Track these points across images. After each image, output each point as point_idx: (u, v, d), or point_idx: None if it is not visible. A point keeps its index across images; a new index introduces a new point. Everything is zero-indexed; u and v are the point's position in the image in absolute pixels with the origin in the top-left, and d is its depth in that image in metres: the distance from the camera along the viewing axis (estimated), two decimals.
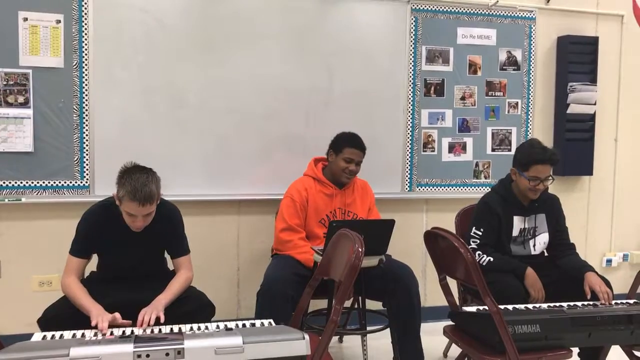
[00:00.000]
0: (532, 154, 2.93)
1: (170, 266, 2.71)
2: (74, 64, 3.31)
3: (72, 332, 2.10)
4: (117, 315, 2.22)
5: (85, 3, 3.30)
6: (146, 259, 2.60)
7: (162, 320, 2.25)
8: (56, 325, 2.19)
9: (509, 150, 4.02)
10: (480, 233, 2.99)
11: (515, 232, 3.02)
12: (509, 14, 4.04)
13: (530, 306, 2.55)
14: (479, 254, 2.90)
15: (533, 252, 3.03)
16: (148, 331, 2.15)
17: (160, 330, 2.15)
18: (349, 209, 3.24)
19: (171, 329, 2.17)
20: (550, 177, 2.94)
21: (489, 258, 2.89)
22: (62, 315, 2.32)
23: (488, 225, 2.99)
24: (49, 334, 2.06)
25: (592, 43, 4.17)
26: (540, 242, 3.04)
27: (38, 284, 3.38)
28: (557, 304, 2.56)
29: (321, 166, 3.32)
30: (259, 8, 3.57)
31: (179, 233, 2.65)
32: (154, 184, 2.40)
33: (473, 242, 2.98)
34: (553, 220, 3.07)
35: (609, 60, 4.28)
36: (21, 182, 3.27)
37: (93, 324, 2.18)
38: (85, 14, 3.30)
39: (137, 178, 2.37)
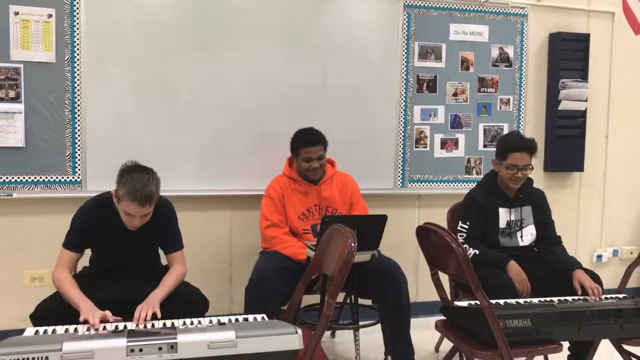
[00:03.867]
0: (508, 142, 3.06)
1: (163, 261, 2.71)
2: (66, 58, 3.29)
3: (65, 327, 2.10)
4: (108, 313, 2.22)
5: None
6: (140, 254, 2.60)
7: (159, 316, 2.25)
8: (49, 320, 2.18)
9: None
10: (467, 226, 3.03)
11: (502, 224, 3.05)
12: (501, 11, 4.05)
13: (521, 301, 2.57)
14: (465, 248, 2.93)
15: (521, 243, 3.06)
16: (141, 326, 2.15)
17: (153, 325, 2.16)
18: (327, 204, 3.25)
19: (164, 323, 2.17)
20: (530, 166, 3.00)
21: (474, 251, 2.93)
22: (55, 311, 2.32)
23: (474, 218, 3.04)
24: (41, 329, 2.06)
25: (583, 40, 4.19)
26: (527, 234, 3.08)
27: (30, 279, 3.37)
28: (548, 299, 2.58)
29: (296, 164, 3.33)
30: (253, 4, 3.56)
31: (173, 228, 2.65)
32: (154, 185, 2.40)
33: (460, 236, 3.02)
34: (539, 213, 3.11)
35: (600, 57, 4.31)
36: (12, 177, 3.25)
37: (82, 319, 2.17)
38: (77, 8, 3.29)
39: (138, 178, 2.36)
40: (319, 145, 3.20)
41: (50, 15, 3.25)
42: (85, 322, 2.16)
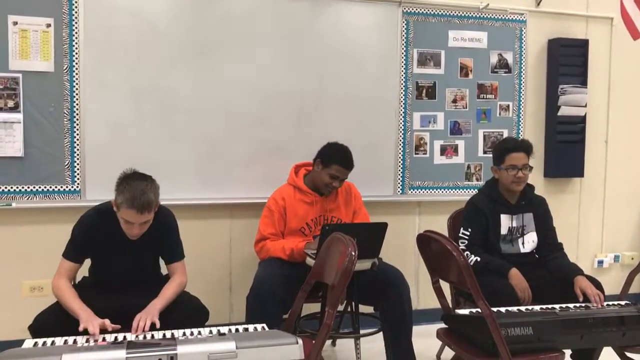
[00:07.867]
0: (503, 144, 3.13)
1: (164, 270, 2.70)
2: (65, 68, 3.29)
3: (64, 338, 2.08)
4: (107, 321, 2.21)
5: (76, 7, 3.28)
6: (141, 264, 2.59)
7: (158, 326, 2.24)
8: (48, 331, 2.17)
9: None
10: (468, 233, 3.03)
11: (504, 231, 3.05)
12: (499, 17, 4.06)
13: (522, 308, 2.56)
14: (467, 255, 2.93)
15: (522, 250, 3.06)
16: (141, 337, 2.14)
17: (153, 336, 2.14)
18: (332, 215, 3.23)
19: (164, 334, 2.16)
20: (528, 166, 3.01)
21: (475, 258, 2.93)
22: (54, 322, 2.30)
23: (475, 225, 3.03)
24: (40, 341, 2.05)
25: (582, 45, 4.19)
26: (529, 241, 3.08)
27: (29, 289, 3.35)
28: (550, 306, 2.57)
29: (303, 172, 3.30)
30: (250, 12, 3.56)
31: (174, 238, 2.64)
32: (152, 192, 2.39)
33: (462, 242, 3.02)
34: (540, 220, 3.11)
35: (599, 63, 4.31)
36: (11, 187, 3.24)
37: (81, 328, 2.16)
38: (76, 17, 3.29)
39: (136, 185, 2.36)
40: (350, 170, 3.18)
41: (49, 25, 3.25)
42: (85, 331, 2.15)
